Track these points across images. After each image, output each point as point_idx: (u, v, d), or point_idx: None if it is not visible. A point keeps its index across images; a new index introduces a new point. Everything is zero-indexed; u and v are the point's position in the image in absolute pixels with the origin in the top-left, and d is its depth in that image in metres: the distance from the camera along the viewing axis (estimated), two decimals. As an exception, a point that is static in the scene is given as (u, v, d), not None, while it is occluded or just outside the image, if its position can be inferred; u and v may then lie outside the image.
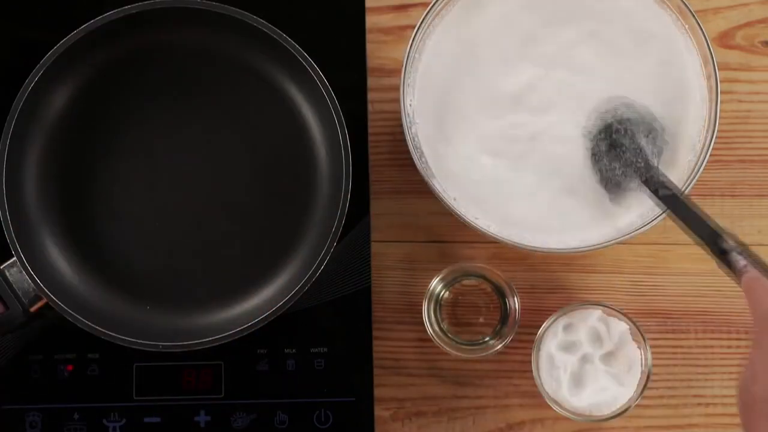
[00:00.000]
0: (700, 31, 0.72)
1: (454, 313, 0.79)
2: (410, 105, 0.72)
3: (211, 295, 0.75)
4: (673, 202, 0.67)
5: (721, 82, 0.71)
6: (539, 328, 0.74)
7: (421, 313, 0.76)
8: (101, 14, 0.72)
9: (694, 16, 0.72)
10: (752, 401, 0.52)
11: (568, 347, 0.74)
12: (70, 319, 0.70)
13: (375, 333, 0.77)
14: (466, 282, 0.78)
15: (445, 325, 0.78)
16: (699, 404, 0.78)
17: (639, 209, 0.71)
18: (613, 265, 0.79)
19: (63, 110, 0.75)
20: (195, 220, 0.76)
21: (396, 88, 0.72)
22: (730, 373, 0.78)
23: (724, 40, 0.81)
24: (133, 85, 0.76)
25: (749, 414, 0.53)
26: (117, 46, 0.75)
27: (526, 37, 0.73)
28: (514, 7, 0.73)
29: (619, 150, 0.70)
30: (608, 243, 0.70)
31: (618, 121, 0.70)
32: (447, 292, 0.78)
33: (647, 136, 0.70)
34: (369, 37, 0.80)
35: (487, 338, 0.78)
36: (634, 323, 0.74)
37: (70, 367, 0.76)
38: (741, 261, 0.59)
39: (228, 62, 0.76)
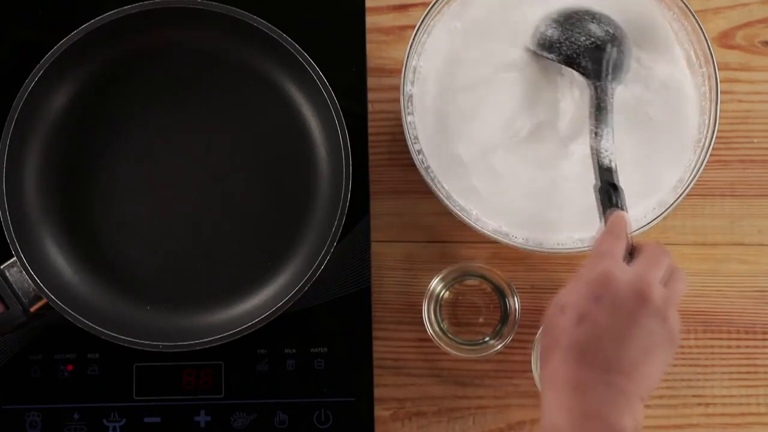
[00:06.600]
0: (700, 31, 0.72)
1: (454, 313, 0.79)
2: (410, 104, 0.72)
3: (211, 295, 0.75)
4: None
5: (721, 82, 0.71)
6: (539, 328, 0.74)
7: (421, 313, 0.76)
8: (101, 14, 0.72)
9: (694, 16, 0.72)
10: (556, 325, 0.60)
11: (568, 347, 0.74)
12: (70, 319, 0.70)
13: (375, 333, 0.77)
14: (466, 282, 0.78)
15: (445, 325, 0.78)
16: (699, 404, 0.78)
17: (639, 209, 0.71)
18: (613, 265, 0.79)
19: (63, 110, 0.75)
20: (195, 220, 0.76)
21: (396, 88, 0.72)
22: (730, 373, 0.78)
23: (724, 40, 0.81)
24: (133, 86, 0.76)
25: (550, 333, 0.60)
26: (117, 46, 0.75)
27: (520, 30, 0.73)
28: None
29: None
30: (608, 243, 0.70)
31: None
32: (447, 292, 0.78)
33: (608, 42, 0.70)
34: (369, 37, 0.80)
35: (487, 338, 0.78)
36: (634, 323, 0.74)
37: (70, 367, 0.76)
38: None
39: (228, 62, 0.76)
